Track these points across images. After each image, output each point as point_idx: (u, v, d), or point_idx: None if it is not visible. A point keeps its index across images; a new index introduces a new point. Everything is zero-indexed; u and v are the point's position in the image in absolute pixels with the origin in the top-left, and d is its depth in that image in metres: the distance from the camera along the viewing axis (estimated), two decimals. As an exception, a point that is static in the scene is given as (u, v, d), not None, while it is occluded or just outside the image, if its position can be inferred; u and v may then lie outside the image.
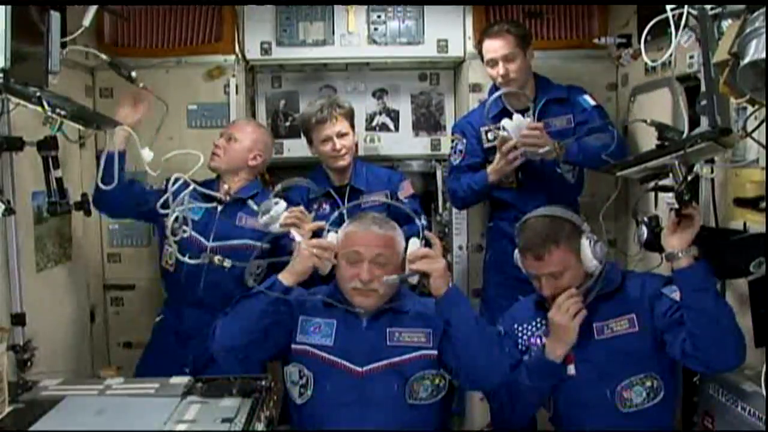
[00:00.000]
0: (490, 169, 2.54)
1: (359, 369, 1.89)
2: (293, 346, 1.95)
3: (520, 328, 2.05)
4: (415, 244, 1.93)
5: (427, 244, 1.92)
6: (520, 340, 2.04)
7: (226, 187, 2.54)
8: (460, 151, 2.67)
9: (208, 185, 2.45)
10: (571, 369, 1.93)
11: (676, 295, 1.83)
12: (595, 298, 1.95)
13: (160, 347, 2.52)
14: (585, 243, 1.93)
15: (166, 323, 2.54)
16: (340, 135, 2.60)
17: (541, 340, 1.98)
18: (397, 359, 1.90)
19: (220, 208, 2.50)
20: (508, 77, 2.50)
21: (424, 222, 2.23)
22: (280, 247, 2.38)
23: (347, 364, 1.90)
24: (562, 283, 1.92)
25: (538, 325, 2.02)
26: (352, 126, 2.68)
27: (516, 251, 2.04)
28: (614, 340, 1.91)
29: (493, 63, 2.52)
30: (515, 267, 2.57)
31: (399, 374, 1.89)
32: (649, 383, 1.88)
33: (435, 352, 1.91)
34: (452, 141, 2.75)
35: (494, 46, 2.50)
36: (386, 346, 1.91)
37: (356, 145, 2.73)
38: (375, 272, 1.89)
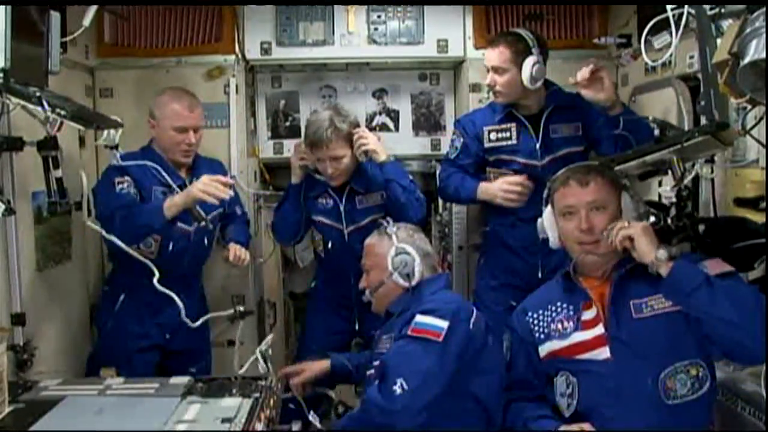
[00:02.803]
0: (483, 188, 2.56)
1: (367, 374, 2.04)
2: None
3: (536, 316, 1.90)
4: None
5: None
6: (536, 328, 1.88)
7: (183, 170, 2.57)
8: (456, 148, 2.67)
9: (166, 171, 2.48)
10: (605, 352, 1.74)
11: (709, 270, 1.66)
12: (628, 275, 1.78)
13: (126, 321, 2.50)
14: (626, 194, 1.83)
15: (133, 299, 2.52)
16: (334, 158, 2.56)
17: (563, 324, 1.82)
18: (376, 363, 1.98)
19: None
20: (494, 88, 2.50)
21: None
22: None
23: (366, 371, 2.07)
24: (599, 223, 1.79)
25: (559, 308, 1.86)
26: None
27: (542, 217, 1.95)
28: (655, 320, 1.71)
29: (487, 70, 2.52)
30: (508, 273, 2.61)
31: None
32: (694, 372, 1.67)
33: None
34: (453, 134, 2.74)
35: (489, 56, 2.49)
36: (375, 351, 2.04)
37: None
38: (365, 281, 2.15)
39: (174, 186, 2.45)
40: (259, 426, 1.64)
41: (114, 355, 2.40)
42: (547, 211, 1.94)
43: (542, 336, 1.87)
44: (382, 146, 2.62)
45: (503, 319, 2.50)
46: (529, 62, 2.43)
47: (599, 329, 1.77)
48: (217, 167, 2.71)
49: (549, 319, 1.87)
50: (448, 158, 2.71)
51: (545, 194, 1.96)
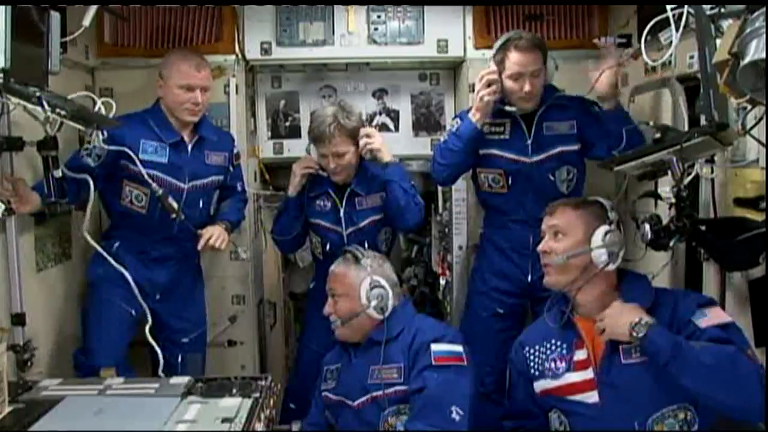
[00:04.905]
0: (472, 112, 2.50)
1: (353, 403, 2.06)
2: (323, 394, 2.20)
3: (532, 351, 1.91)
4: None
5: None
6: (532, 364, 1.90)
7: (186, 129, 2.56)
8: (452, 128, 2.63)
9: (161, 126, 2.50)
10: (594, 396, 1.75)
11: (703, 322, 1.66)
12: None
13: (122, 261, 2.43)
14: (602, 228, 1.83)
15: (128, 248, 2.51)
16: (337, 155, 2.57)
17: (556, 364, 1.83)
18: (377, 393, 2.01)
19: (190, 149, 2.55)
20: (533, 93, 2.45)
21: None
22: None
23: (345, 400, 2.08)
24: (558, 247, 1.85)
25: (553, 347, 1.87)
26: (357, 141, 2.60)
27: None
28: (643, 365, 1.69)
29: (518, 77, 2.42)
30: (498, 276, 2.60)
31: (379, 407, 2.02)
32: (682, 415, 1.67)
33: (405, 387, 1.98)
34: (450, 125, 2.72)
35: (524, 60, 2.39)
36: (368, 383, 2.04)
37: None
38: (331, 307, 2.17)
39: (165, 142, 2.48)
40: (259, 426, 1.64)
41: (106, 297, 2.36)
42: None
43: (537, 373, 1.89)
44: (386, 147, 2.62)
45: (488, 325, 2.52)
46: (550, 61, 2.49)
47: (589, 372, 1.78)
48: (222, 136, 2.72)
49: (543, 356, 1.88)
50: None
51: None
